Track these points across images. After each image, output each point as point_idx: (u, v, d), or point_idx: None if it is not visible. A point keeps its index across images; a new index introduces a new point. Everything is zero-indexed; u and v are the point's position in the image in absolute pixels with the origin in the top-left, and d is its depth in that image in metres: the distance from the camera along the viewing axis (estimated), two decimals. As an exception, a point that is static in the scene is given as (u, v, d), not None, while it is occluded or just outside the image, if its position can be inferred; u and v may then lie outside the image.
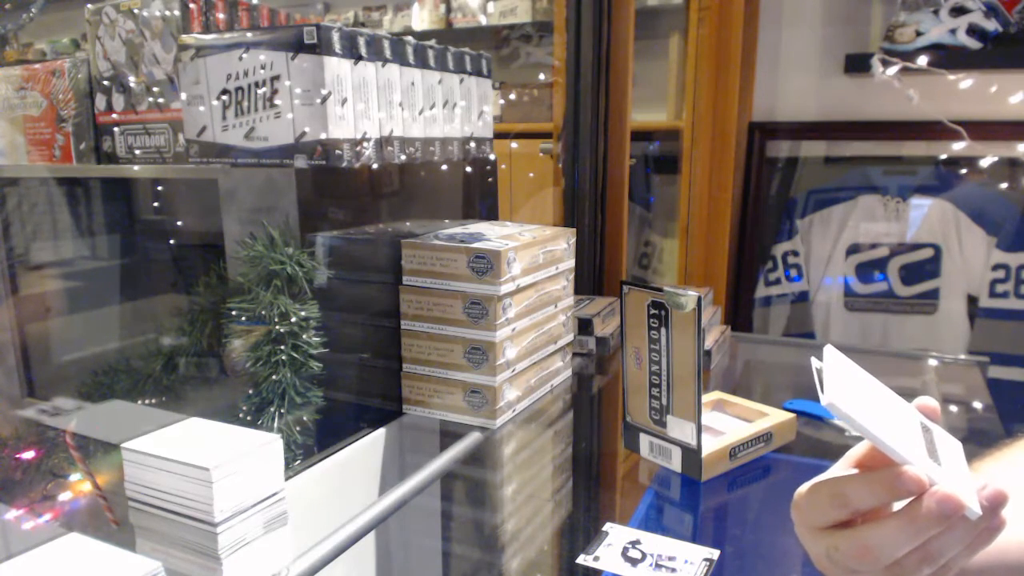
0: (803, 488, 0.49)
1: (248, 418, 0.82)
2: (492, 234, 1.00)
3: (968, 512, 0.43)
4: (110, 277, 1.29)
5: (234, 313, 0.82)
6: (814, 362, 0.48)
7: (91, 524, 0.73)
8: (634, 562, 0.66)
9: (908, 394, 0.52)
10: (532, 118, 2.47)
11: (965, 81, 1.83)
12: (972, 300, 1.91)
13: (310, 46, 0.85)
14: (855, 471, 0.49)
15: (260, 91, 0.89)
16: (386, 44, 0.97)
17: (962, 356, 1.29)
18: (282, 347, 0.82)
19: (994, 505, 0.44)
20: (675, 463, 0.84)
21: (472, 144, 1.20)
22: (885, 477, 0.44)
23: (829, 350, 0.50)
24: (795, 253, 2.07)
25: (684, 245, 2.04)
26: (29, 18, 1.18)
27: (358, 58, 0.91)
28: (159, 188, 1.21)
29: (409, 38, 1.02)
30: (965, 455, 0.50)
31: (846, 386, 0.47)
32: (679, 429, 0.83)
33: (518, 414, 1.00)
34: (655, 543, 0.69)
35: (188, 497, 0.58)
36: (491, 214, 1.29)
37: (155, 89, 1.05)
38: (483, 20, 2.86)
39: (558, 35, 1.56)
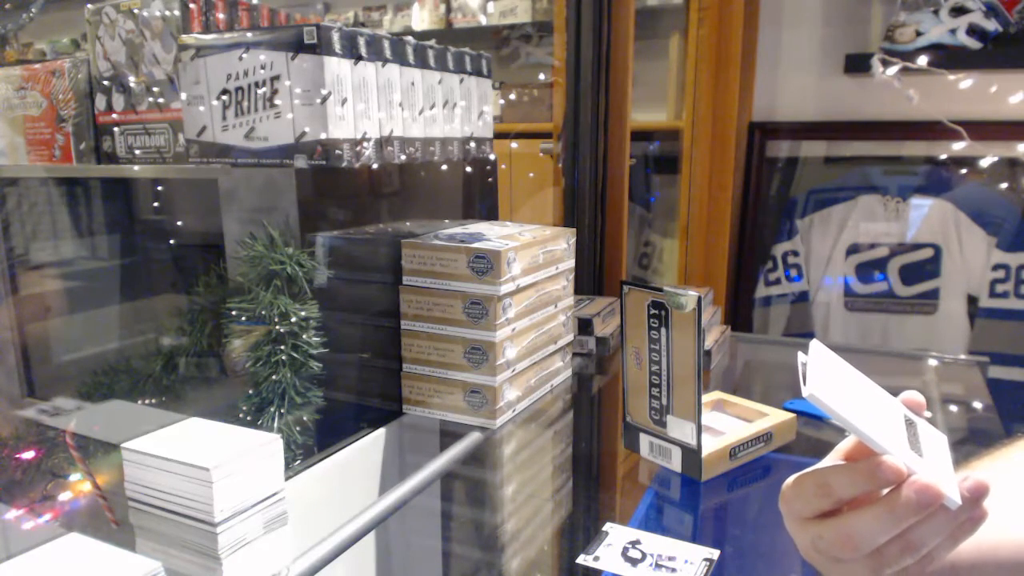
0: (790, 480, 0.51)
1: (248, 418, 0.82)
2: (492, 234, 1.00)
3: (948, 502, 0.44)
4: (110, 277, 1.29)
5: (234, 313, 0.82)
6: (800, 356, 0.49)
7: (91, 524, 0.73)
8: (634, 562, 0.66)
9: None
10: (532, 118, 2.47)
11: (965, 81, 1.83)
12: (972, 300, 1.91)
13: (310, 46, 0.85)
14: (843, 463, 0.49)
15: (260, 91, 0.89)
16: (386, 44, 0.97)
17: (962, 356, 1.29)
18: (282, 347, 0.82)
19: (975, 496, 0.44)
20: (675, 463, 0.84)
21: (472, 144, 1.20)
22: (865, 466, 0.45)
23: (814, 345, 0.51)
24: (795, 253, 2.07)
25: (684, 245, 2.04)
26: (29, 18, 1.18)
27: (358, 58, 0.91)
28: (159, 188, 1.21)
29: (409, 38, 1.02)
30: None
31: (829, 379, 0.48)
32: (679, 429, 0.83)
33: (518, 414, 1.00)
34: (655, 543, 0.69)
35: (188, 497, 0.58)
36: (491, 214, 1.29)
37: (155, 89, 1.05)
38: (483, 20, 2.86)
39: (558, 35, 1.56)
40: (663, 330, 0.81)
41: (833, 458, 0.51)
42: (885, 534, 0.45)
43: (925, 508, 0.44)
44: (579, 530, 0.78)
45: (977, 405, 1.10)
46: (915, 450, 0.47)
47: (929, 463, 0.46)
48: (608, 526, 0.72)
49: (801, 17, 2.03)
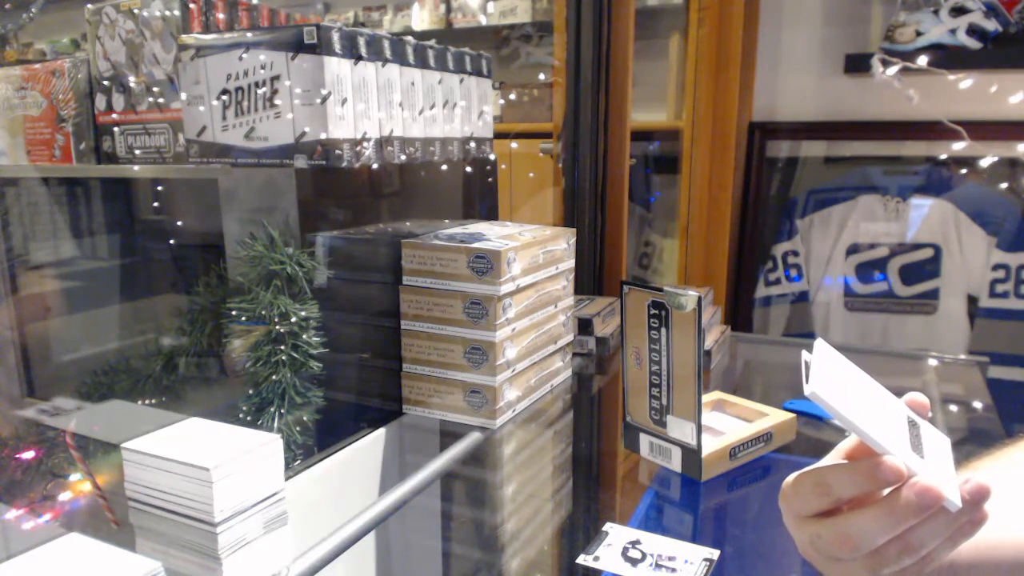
0: (790, 478, 0.51)
1: (248, 418, 0.82)
2: (492, 234, 1.00)
3: (948, 504, 0.44)
4: (110, 277, 1.29)
5: (234, 313, 0.82)
6: (804, 355, 0.49)
7: (91, 524, 0.73)
8: (634, 562, 0.66)
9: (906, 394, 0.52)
10: (532, 118, 2.47)
11: (965, 81, 1.83)
12: (972, 300, 1.91)
13: (310, 46, 0.85)
14: (844, 462, 0.49)
15: (260, 91, 0.89)
16: (386, 44, 0.97)
17: (962, 356, 1.29)
18: (282, 347, 0.82)
19: (976, 499, 0.44)
20: (675, 463, 0.84)
21: (472, 144, 1.20)
22: (865, 466, 0.45)
23: (819, 344, 0.51)
24: (795, 253, 2.07)
25: (684, 245, 2.04)
26: (29, 18, 1.18)
27: (358, 58, 0.91)
28: (159, 188, 1.21)
29: (409, 38, 1.02)
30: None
31: (831, 378, 0.48)
32: (679, 429, 0.83)
33: (518, 414, 1.00)
34: (655, 543, 0.69)
35: (188, 497, 0.58)
36: (491, 214, 1.29)
37: (155, 89, 1.05)
38: (483, 20, 2.86)
39: (558, 35, 1.56)
40: (663, 330, 0.81)
41: (834, 457, 0.51)
42: (884, 535, 0.45)
43: (925, 510, 0.44)
44: (579, 530, 0.78)
45: (977, 405, 1.10)
46: (917, 451, 0.47)
47: (930, 465, 0.46)
48: (608, 526, 0.72)
49: (801, 17, 2.03)
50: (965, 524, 0.45)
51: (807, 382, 0.46)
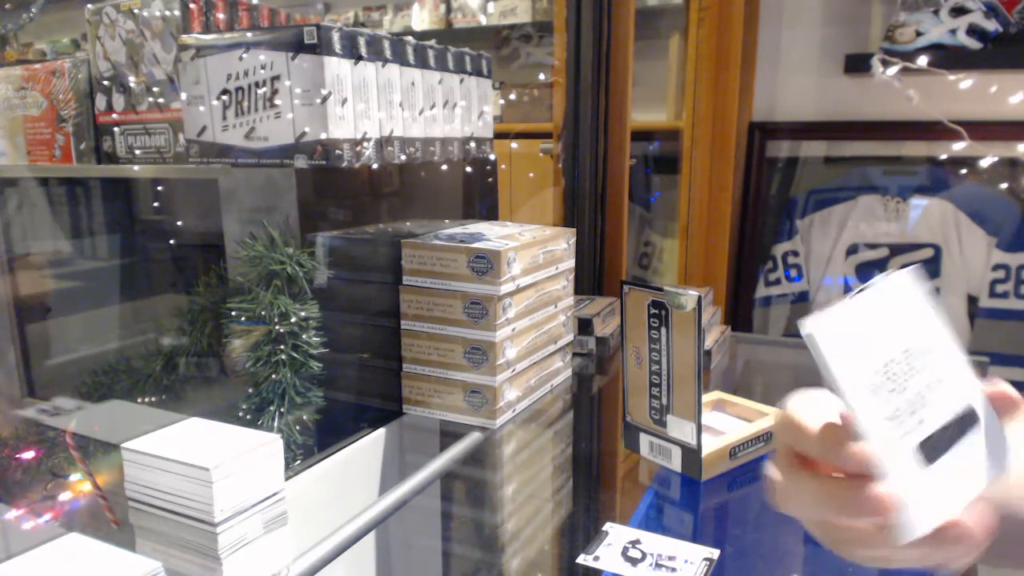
0: (792, 403, 0.42)
1: (248, 418, 0.82)
2: (492, 234, 1.00)
3: (900, 528, 0.35)
4: (110, 277, 1.29)
5: (234, 313, 0.82)
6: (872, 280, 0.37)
7: (91, 524, 0.73)
8: (634, 562, 0.66)
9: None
10: (532, 118, 2.47)
11: (965, 81, 1.83)
12: (972, 300, 1.91)
13: (310, 46, 0.85)
14: (831, 420, 0.40)
15: (260, 91, 0.89)
16: (386, 44, 0.97)
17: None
18: (282, 347, 0.82)
19: (949, 540, 0.37)
20: (675, 463, 0.84)
21: (472, 144, 1.20)
22: (853, 491, 0.37)
23: (899, 275, 0.38)
24: (795, 253, 2.07)
25: (684, 245, 2.04)
26: (29, 18, 1.18)
27: (358, 58, 0.91)
28: (159, 188, 1.21)
29: (409, 38, 1.02)
30: None
31: (863, 321, 0.36)
32: (679, 429, 0.83)
33: (518, 414, 1.00)
34: (655, 543, 0.69)
35: (188, 497, 0.58)
36: (491, 214, 1.29)
37: (155, 89, 1.05)
38: (483, 20, 2.86)
39: (558, 35, 1.56)
40: (663, 330, 0.81)
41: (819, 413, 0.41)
42: (817, 513, 0.39)
43: (867, 516, 0.37)
44: (579, 530, 0.78)
45: (977, 405, 1.09)
46: (926, 452, 0.36)
47: (935, 475, 0.37)
48: (608, 526, 0.72)
49: (801, 17, 2.03)
50: (927, 554, 0.38)
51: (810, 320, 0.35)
